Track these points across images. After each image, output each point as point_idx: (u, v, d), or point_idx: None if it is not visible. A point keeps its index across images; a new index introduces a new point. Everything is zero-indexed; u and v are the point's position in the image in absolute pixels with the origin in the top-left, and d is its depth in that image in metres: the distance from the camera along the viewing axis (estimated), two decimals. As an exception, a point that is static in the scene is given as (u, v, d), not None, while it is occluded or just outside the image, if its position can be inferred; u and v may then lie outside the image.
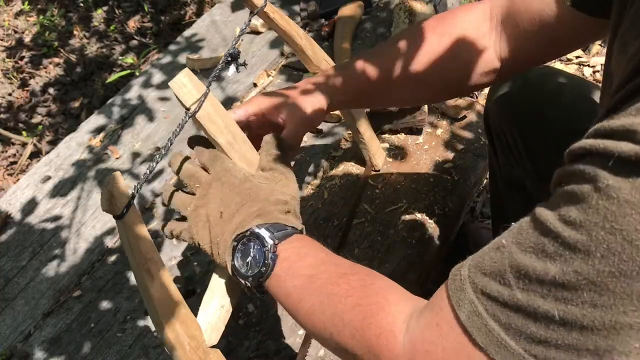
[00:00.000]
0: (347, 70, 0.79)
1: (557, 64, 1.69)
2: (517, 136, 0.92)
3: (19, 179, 1.61)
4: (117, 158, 1.44)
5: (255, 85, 1.57)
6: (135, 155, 1.45)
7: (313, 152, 1.35)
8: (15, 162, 2.18)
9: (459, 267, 0.47)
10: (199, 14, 2.56)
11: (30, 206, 1.36)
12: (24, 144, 2.20)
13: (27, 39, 2.68)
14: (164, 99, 1.59)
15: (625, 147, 0.34)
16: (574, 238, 0.37)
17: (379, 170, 1.28)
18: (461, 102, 1.34)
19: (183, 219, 0.72)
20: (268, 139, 0.71)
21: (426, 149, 1.32)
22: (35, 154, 2.18)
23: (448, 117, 1.38)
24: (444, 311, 0.46)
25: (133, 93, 1.63)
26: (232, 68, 0.75)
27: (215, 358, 0.67)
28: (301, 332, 1.03)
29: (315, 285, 0.58)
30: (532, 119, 0.89)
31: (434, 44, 0.74)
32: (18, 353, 1.09)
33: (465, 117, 1.38)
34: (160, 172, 1.39)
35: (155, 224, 1.27)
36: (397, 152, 1.32)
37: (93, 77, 2.47)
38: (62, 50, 2.58)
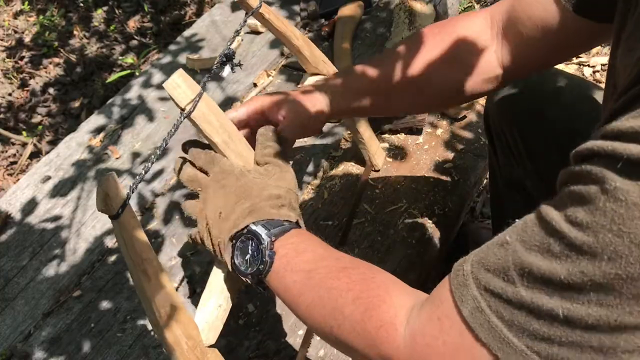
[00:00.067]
0: (348, 76, 0.80)
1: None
2: (517, 136, 0.92)
3: (19, 179, 1.61)
4: (117, 158, 1.44)
5: (255, 85, 1.57)
6: (135, 155, 1.45)
7: (313, 152, 1.35)
8: (15, 162, 2.18)
9: (461, 263, 0.47)
10: (199, 14, 2.56)
11: (30, 206, 1.36)
12: (24, 144, 2.19)
13: (27, 39, 2.68)
14: (164, 99, 1.59)
15: (634, 149, 0.34)
16: (580, 239, 0.37)
17: (378, 170, 1.28)
18: (461, 102, 1.34)
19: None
20: (262, 131, 0.71)
21: (426, 149, 1.32)
22: (35, 154, 2.18)
23: (448, 117, 1.39)
24: (445, 305, 0.46)
25: (133, 93, 1.63)
26: (227, 68, 0.75)
27: (213, 357, 0.67)
28: (301, 332, 1.03)
29: (314, 281, 0.58)
30: (532, 119, 0.89)
31: (435, 50, 0.74)
32: (18, 353, 1.09)
33: (465, 117, 1.38)
34: (160, 172, 1.39)
35: (155, 224, 1.28)
36: (397, 152, 1.32)
37: (93, 77, 2.47)
38: (62, 50, 2.58)
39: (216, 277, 0.72)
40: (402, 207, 1.20)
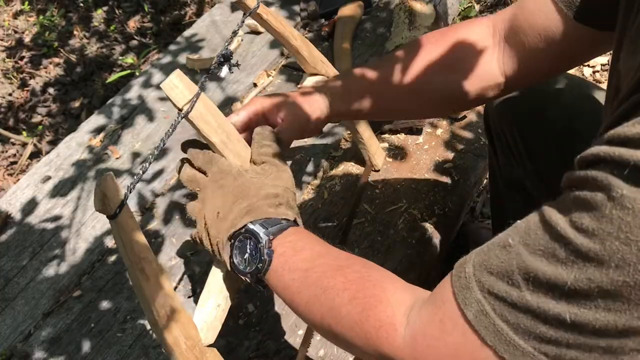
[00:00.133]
0: (348, 79, 0.80)
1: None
2: (517, 136, 0.92)
3: (19, 179, 1.61)
4: (117, 158, 1.44)
5: (255, 85, 1.57)
6: (135, 155, 1.45)
7: (313, 152, 1.35)
8: (15, 162, 2.18)
9: (462, 263, 0.47)
10: (199, 14, 2.56)
11: (30, 206, 1.36)
12: (24, 144, 2.19)
13: (27, 39, 2.68)
14: (164, 99, 1.59)
15: None
16: (586, 246, 0.37)
17: (378, 171, 1.28)
18: (461, 102, 1.34)
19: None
20: (259, 130, 0.71)
21: (426, 149, 1.32)
22: (35, 154, 2.18)
23: (448, 117, 1.39)
24: (447, 307, 0.46)
25: (133, 93, 1.63)
26: (225, 69, 0.75)
27: (212, 357, 0.67)
28: (301, 331, 1.03)
29: (311, 279, 0.58)
30: (532, 119, 0.89)
31: (435, 55, 0.74)
32: (18, 353, 1.09)
33: (465, 117, 1.38)
34: (160, 172, 1.39)
35: (155, 224, 1.28)
36: (397, 152, 1.32)
37: (93, 77, 2.47)
38: (62, 50, 2.58)
39: (215, 276, 0.72)
40: (402, 207, 1.20)
